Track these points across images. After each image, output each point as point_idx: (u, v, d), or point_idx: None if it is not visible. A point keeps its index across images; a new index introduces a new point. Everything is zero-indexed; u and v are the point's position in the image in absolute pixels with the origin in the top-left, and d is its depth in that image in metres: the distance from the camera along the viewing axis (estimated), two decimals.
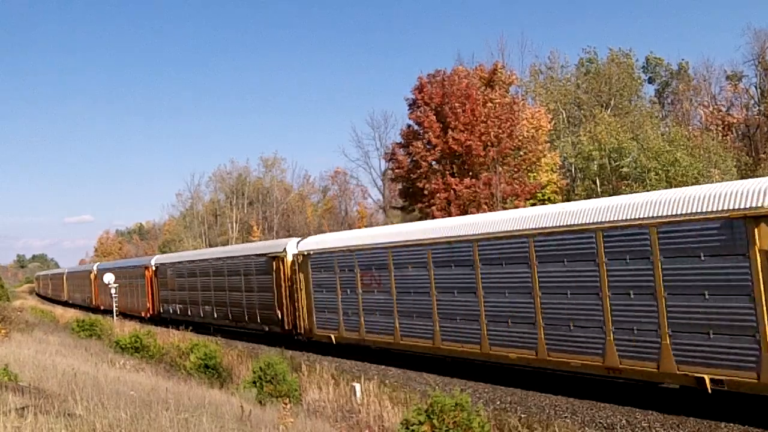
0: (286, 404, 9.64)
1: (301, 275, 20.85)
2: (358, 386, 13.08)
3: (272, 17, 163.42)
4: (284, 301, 22.01)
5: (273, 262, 22.75)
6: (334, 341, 19.53)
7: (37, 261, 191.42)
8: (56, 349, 17.14)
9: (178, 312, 31.50)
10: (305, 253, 20.67)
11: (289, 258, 21.81)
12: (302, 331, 21.16)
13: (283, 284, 22.02)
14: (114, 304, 36.89)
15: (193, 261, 30.77)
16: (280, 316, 22.38)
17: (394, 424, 10.45)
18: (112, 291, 36.52)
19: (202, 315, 28.97)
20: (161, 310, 34.17)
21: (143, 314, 36.42)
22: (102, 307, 44.15)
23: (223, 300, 26.91)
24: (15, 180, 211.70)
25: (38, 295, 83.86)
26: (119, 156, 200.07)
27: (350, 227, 53.97)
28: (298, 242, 21.86)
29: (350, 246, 18.71)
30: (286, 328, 22.05)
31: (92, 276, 48.96)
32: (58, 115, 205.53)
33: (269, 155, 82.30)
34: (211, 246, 68.13)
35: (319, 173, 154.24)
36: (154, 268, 35.68)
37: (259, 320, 24.01)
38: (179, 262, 32.52)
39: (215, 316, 27.72)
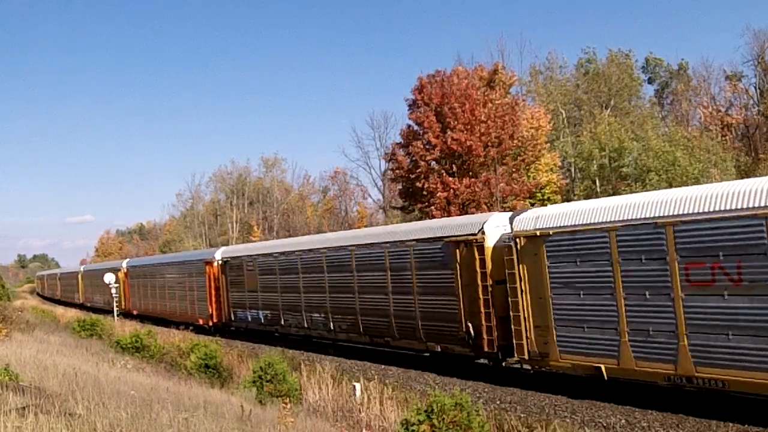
0: (286, 404, 9.68)
1: (524, 268, 13.61)
2: (358, 386, 13.10)
3: (272, 17, 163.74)
4: (481, 307, 14.63)
5: (457, 249, 15.34)
6: (605, 375, 12.27)
7: (38, 261, 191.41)
8: (57, 348, 17.16)
9: (263, 320, 24.12)
10: (534, 233, 13.31)
11: (491, 242, 14.69)
12: (526, 355, 13.78)
13: (479, 282, 14.69)
14: (114, 304, 36.86)
15: (292, 252, 22.57)
16: (470, 330, 15.04)
17: (394, 424, 10.47)
18: (113, 291, 36.50)
19: (306, 325, 21.48)
20: (232, 318, 26.54)
21: (201, 322, 28.92)
22: (135, 312, 37.79)
23: (350, 305, 19.26)
24: (15, 180, 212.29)
25: (43, 297, 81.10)
26: (119, 156, 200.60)
27: (350, 227, 53.80)
28: (512, 217, 14.43)
29: (656, 218, 11.29)
30: (487, 349, 14.71)
31: (121, 275, 41.57)
32: (58, 115, 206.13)
33: (270, 155, 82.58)
34: (211, 246, 68.00)
35: (319, 173, 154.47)
36: (220, 263, 27.66)
37: (422, 336, 16.62)
38: (268, 254, 24.16)
39: (332, 327, 20.17)
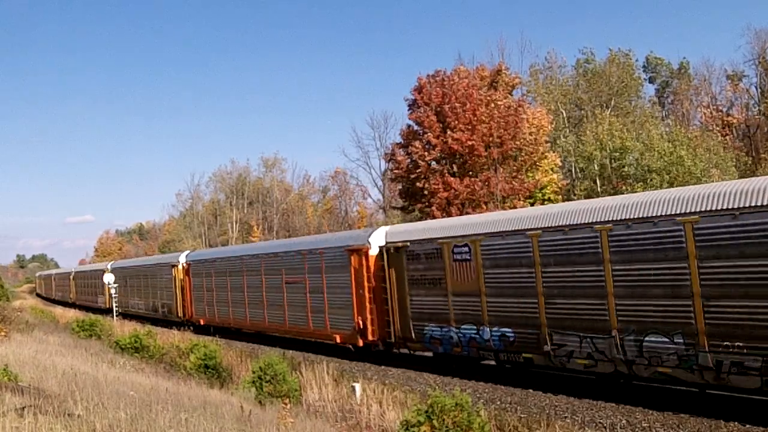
0: (285, 404, 9.66)
1: None
2: (358, 386, 13.07)
3: (272, 17, 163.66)
4: None
5: None
6: None
7: (37, 261, 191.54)
8: (56, 349, 17.13)
9: (494, 343, 14.58)
10: None
11: None
12: None
13: None
14: (114, 304, 36.74)
15: (580, 227, 12.60)
16: None
17: (394, 424, 10.45)
18: (112, 291, 36.41)
19: (624, 356, 11.92)
20: (413, 336, 16.90)
21: (338, 340, 19.97)
22: (203, 322, 29.18)
23: None
24: (15, 180, 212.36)
25: (46, 299, 76.82)
26: (119, 156, 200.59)
27: (350, 227, 53.77)
28: None
29: None
30: None
31: (178, 272, 32.01)
32: (58, 115, 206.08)
33: (269, 155, 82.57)
34: (211, 247, 67.84)
35: (319, 173, 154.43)
36: (390, 250, 17.56)
37: None
38: (512, 232, 14.06)
39: (712, 363, 10.59)
